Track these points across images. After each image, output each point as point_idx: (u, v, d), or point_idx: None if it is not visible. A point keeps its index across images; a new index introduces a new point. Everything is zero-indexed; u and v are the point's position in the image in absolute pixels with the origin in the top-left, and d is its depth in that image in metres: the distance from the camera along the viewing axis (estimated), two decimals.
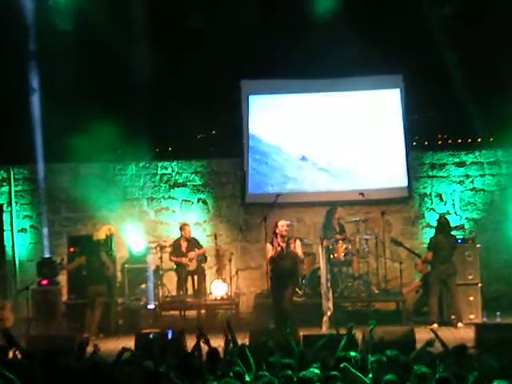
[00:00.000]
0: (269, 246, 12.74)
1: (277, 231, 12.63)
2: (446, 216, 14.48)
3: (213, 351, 8.52)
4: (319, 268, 13.52)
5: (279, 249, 12.52)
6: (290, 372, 7.28)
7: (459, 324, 13.08)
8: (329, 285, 13.17)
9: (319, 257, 13.44)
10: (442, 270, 13.34)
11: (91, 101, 13.85)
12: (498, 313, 13.60)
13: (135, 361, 8.51)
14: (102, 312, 13.73)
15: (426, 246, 15.09)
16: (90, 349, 9.21)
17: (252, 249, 15.67)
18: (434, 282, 13.43)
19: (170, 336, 10.38)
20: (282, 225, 12.66)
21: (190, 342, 10.68)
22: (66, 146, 14.76)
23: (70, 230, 15.58)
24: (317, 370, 7.41)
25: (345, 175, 15.54)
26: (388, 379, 6.92)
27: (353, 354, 7.94)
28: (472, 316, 13.46)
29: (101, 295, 13.72)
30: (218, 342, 9.18)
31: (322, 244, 13.32)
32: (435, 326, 12.81)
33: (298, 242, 12.78)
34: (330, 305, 13.05)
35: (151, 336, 10.53)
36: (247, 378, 7.42)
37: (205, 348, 8.86)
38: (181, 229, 14.74)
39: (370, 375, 7.43)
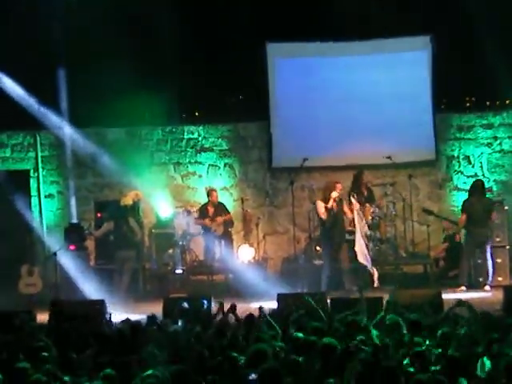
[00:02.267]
0: (321, 203, 12.90)
1: (332, 193, 12.96)
2: (481, 179, 14.30)
3: (249, 316, 8.55)
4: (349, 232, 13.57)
5: (335, 208, 12.85)
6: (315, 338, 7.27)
7: (486, 287, 13.02)
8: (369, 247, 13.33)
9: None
10: (477, 233, 13.21)
11: (118, 66, 13.81)
12: None
13: (163, 326, 8.58)
14: (131, 277, 13.82)
15: (453, 209, 15.10)
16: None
17: (279, 213, 15.65)
18: (469, 246, 13.32)
19: (205, 305, 10.35)
20: (339, 187, 13.06)
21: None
22: (93, 110, 14.79)
23: (97, 196, 15.64)
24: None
25: (372, 138, 15.41)
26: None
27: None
28: (500, 278, 13.41)
29: (129, 260, 13.81)
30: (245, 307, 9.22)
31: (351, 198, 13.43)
32: (463, 288, 12.77)
33: (346, 203, 13.15)
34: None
35: (184, 305, 10.51)
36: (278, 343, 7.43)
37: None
38: (208, 194, 14.76)
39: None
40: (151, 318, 8.83)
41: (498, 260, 13.55)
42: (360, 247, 13.09)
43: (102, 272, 14.22)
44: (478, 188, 13.48)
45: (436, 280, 13.55)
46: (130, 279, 13.80)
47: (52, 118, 15.20)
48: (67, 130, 15.32)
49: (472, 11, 14.10)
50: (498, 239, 13.56)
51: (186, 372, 6.28)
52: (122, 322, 8.97)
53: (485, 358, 6.65)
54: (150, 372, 6.37)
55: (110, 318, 9.09)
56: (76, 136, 15.33)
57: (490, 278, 13.15)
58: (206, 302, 10.44)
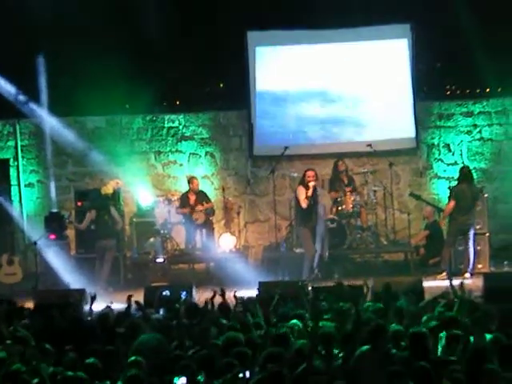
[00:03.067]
0: (303, 189, 12.88)
1: (305, 180, 12.93)
2: (467, 166, 14.31)
3: (224, 304, 8.56)
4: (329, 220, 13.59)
5: (310, 194, 12.76)
6: (299, 323, 7.30)
7: (466, 274, 13.07)
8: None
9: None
10: (462, 220, 13.23)
11: (98, 55, 13.75)
12: (506, 262, 13.66)
13: (144, 312, 8.57)
14: (111, 266, 13.78)
15: (434, 196, 15.15)
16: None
17: (260, 202, 15.65)
18: (453, 233, 13.31)
19: (183, 296, 10.34)
20: (309, 175, 12.95)
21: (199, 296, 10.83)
22: (73, 99, 14.71)
23: (78, 185, 15.58)
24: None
25: (352, 126, 15.46)
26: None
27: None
28: (480, 265, 13.47)
29: (110, 250, 13.76)
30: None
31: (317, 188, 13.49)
32: (444, 275, 12.82)
33: (322, 190, 13.06)
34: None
35: (164, 293, 10.50)
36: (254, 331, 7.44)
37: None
38: (189, 182, 14.74)
39: None
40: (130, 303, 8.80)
41: (478, 247, 13.61)
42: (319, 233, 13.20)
43: (82, 261, 14.18)
44: (466, 175, 13.45)
45: (417, 268, 13.59)
46: (110, 268, 13.75)
47: (32, 107, 15.11)
48: (47, 119, 15.24)
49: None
50: (478, 226, 13.61)
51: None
52: (103, 310, 8.95)
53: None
54: (132, 359, 6.38)
55: (91, 306, 9.04)
56: (56, 125, 15.25)
57: (471, 266, 13.19)
58: (185, 292, 10.44)
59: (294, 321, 7.55)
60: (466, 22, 14.13)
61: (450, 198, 13.46)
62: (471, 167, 15.22)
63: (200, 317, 8.08)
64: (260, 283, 10.76)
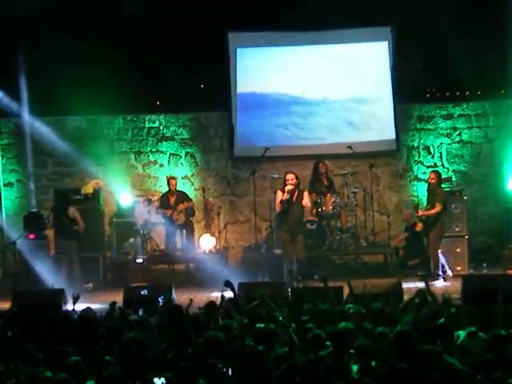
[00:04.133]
0: (280, 193, 12.72)
1: (286, 183, 12.68)
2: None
3: (210, 303, 8.56)
4: (309, 221, 13.61)
5: (288, 198, 12.52)
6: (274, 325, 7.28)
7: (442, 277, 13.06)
8: None
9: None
10: (447, 225, 13.31)
11: (79, 54, 13.73)
12: (485, 264, 13.72)
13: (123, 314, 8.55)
14: (80, 265, 13.55)
15: (414, 198, 15.20)
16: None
17: (240, 203, 15.66)
18: (441, 236, 13.22)
19: (160, 302, 10.30)
20: (288, 178, 12.64)
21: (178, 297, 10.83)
22: (53, 99, 14.66)
23: (58, 185, 15.50)
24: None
25: (333, 128, 15.50)
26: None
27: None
28: (459, 268, 13.55)
29: (71, 251, 13.52)
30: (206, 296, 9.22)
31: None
32: (441, 279, 12.83)
33: (305, 193, 12.81)
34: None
35: (142, 293, 10.49)
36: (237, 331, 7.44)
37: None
38: (168, 182, 14.76)
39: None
40: (113, 307, 8.78)
41: (458, 250, 13.71)
42: None
43: (60, 261, 14.06)
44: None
45: (396, 269, 13.64)
46: (80, 268, 13.55)
47: (12, 106, 15.04)
48: (27, 118, 15.17)
49: (432, 3, 14.19)
50: (457, 229, 13.70)
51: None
52: (83, 311, 8.92)
53: None
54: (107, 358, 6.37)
55: (74, 307, 9.02)
56: (36, 124, 15.18)
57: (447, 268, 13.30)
58: (162, 296, 10.42)
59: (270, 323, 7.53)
60: (446, 26, 14.19)
61: (440, 201, 13.12)
62: (451, 170, 15.44)
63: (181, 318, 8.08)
64: (240, 284, 10.75)
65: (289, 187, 12.54)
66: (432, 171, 13.78)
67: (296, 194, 12.58)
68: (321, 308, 8.19)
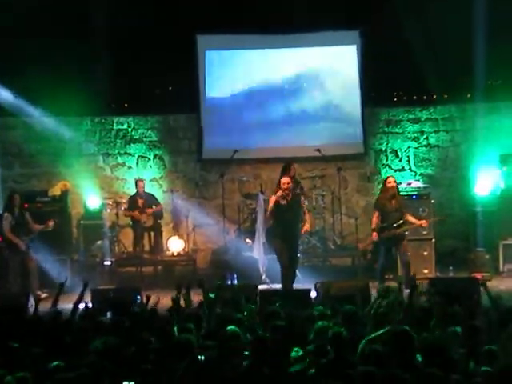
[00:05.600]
0: (273, 197, 12.26)
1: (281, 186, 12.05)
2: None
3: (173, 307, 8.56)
4: None
5: (284, 202, 11.93)
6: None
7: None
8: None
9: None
10: None
11: (46, 55, 13.64)
12: (451, 267, 13.82)
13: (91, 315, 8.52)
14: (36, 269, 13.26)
15: None
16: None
17: (209, 205, 15.65)
18: None
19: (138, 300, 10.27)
20: (283, 182, 11.98)
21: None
22: (21, 100, 14.55)
23: (25, 187, 15.36)
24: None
25: (301, 131, 15.55)
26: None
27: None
28: (426, 271, 13.62)
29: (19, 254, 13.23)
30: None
31: (259, 194, 13.48)
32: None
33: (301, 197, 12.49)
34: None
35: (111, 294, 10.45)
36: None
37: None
38: (136, 184, 14.74)
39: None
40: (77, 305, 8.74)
41: (425, 253, 13.76)
42: (257, 241, 13.20)
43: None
44: None
45: (364, 272, 13.69)
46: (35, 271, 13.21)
47: None
48: None
49: (400, 7, 14.28)
50: (424, 232, 13.76)
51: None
52: (50, 313, 8.86)
53: None
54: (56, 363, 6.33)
55: (37, 309, 8.96)
56: (3, 125, 15.06)
57: None
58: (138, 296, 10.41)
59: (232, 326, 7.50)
60: (413, 30, 14.29)
61: (403, 209, 12.56)
62: (418, 173, 15.54)
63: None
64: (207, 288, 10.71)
65: (279, 193, 11.89)
66: (389, 175, 13.22)
67: (291, 197, 11.96)
68: (290, 310, 8.20)
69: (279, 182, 12.30)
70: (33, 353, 6.83)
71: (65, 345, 7.15)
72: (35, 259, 12.93)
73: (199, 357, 6.61)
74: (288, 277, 11.91)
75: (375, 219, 12.40)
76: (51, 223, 13.02)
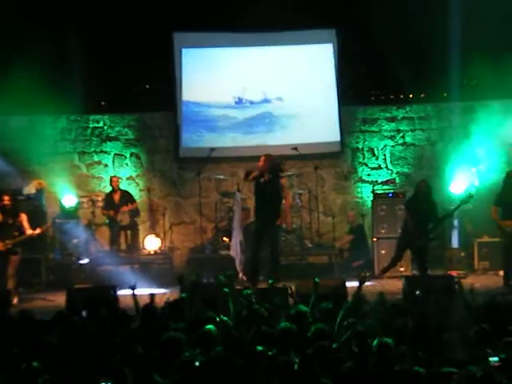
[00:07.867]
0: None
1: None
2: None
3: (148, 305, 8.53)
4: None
5: (262, 180, 12.48)
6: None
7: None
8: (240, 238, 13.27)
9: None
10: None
11: (22, 53, 13.55)
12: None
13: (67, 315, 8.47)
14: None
15: (358, 200, 15.33)
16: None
17: (186, 203, 15.61)
18: None
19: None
20: (259, 160, 12.67)
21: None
22: None
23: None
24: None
25: (278, 130, 15.56)
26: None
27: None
28: (402, 268, 13.66)
29: None
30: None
31: (236, 193, 13.52)
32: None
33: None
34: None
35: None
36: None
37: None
38: (110, 181, 14.72)
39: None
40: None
41: None
42: (234, 240, 13.23)
43: None
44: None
45: (341, 270, 13.71)
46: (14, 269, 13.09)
47: None
48: None
49: (376, 6, 14.29)
50: (400, 230, 13.79)
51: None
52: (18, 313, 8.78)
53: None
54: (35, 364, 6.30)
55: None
56: None
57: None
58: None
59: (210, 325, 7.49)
60: (389, 30, 14.31)
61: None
62: (394, 171, 15.59)
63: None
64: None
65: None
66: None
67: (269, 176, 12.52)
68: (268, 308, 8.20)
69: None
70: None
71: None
72: (15, 260, 12.73)
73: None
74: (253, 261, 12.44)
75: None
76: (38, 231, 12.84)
